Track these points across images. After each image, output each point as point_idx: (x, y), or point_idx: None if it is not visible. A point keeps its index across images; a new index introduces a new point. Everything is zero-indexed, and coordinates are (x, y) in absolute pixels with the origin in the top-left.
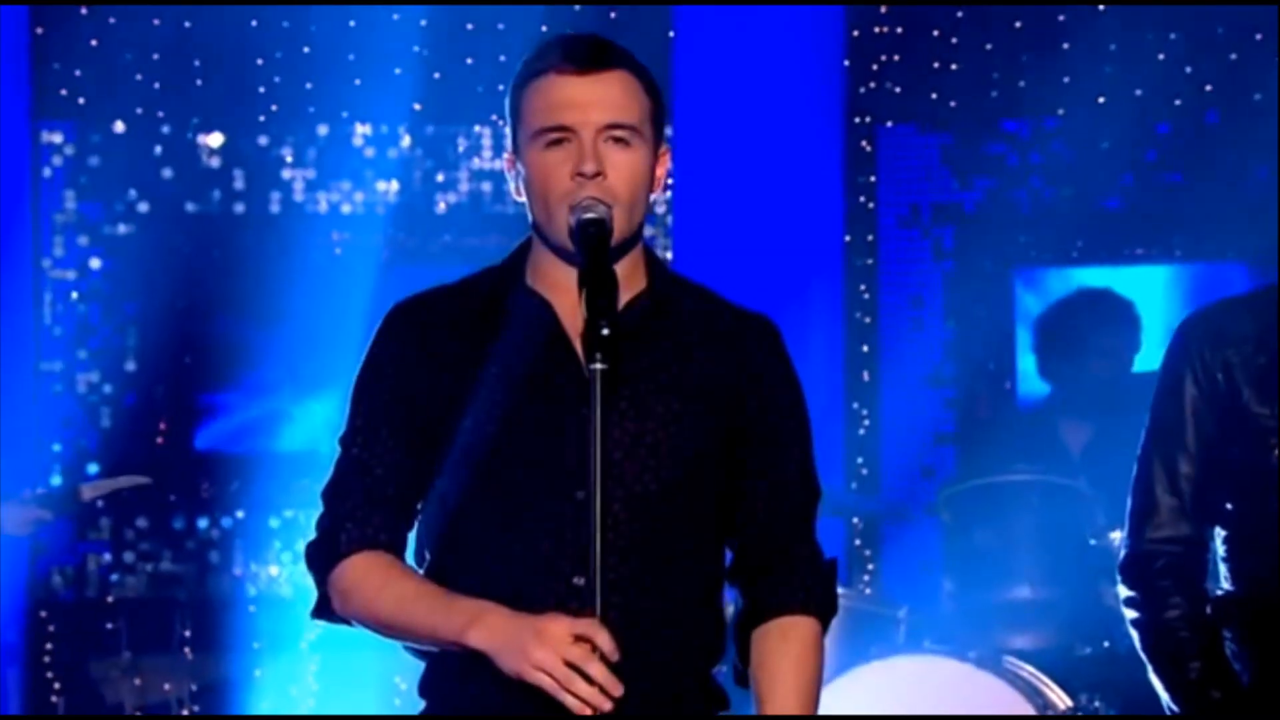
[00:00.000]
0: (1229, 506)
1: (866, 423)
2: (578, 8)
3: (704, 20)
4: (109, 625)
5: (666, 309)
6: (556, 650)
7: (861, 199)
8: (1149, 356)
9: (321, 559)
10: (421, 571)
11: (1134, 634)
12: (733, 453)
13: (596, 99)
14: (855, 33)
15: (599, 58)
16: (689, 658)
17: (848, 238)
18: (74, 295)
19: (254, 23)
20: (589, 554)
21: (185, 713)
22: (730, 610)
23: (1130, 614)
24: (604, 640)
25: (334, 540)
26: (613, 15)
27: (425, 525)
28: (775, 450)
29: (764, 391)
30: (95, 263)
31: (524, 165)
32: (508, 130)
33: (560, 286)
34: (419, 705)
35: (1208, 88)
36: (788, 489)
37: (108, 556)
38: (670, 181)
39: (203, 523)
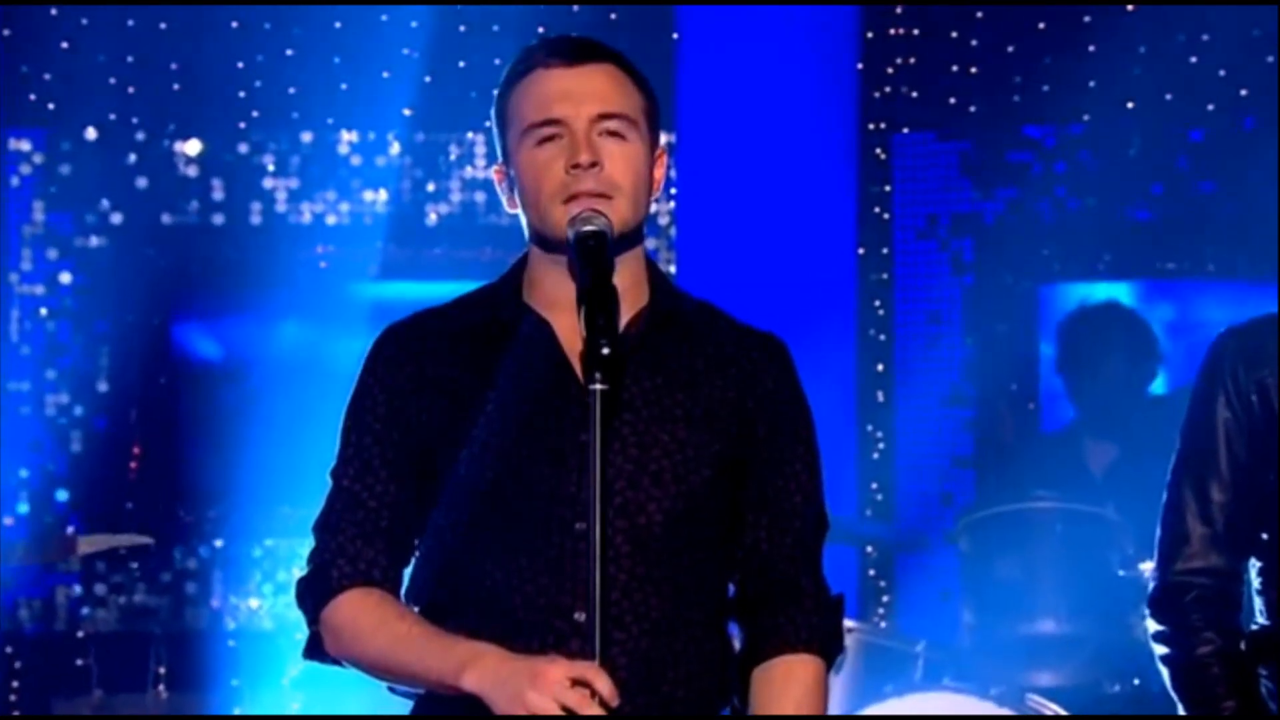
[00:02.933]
0: (1264, 536)
1: (881, 446)
2: (575, 8)
3: (709, 21)
4: (79, 662)
5: (670, 328)
6: (553, 694)
7: (876, 209)
8: (1180, 376)
9: (313, 596)
10: (418, 608)
11: (1164, 670)
12: (737, 479)
13: (587, 90)
14: (869, 34)
15: (587, 51)
16: (696, 696)
17: (861, 250)
18: (43, 311)
19: (234, 24)
20: (589, 588)
21: None
22: (737, 643)
23: (1160, 649)
24: (603, 685)
25: (325, 577)
26: (613, 16)
27: (421, 559)
28: (781, 478)
29: (771, 415)
30: (65, 277)
31: (515, 169)
32: (496, 140)
33: (559, 304)
34: None
35: (1243, 92)
36: (792, 519)
37: (77, 588)
38: (674, 191)
39: (179, 552)
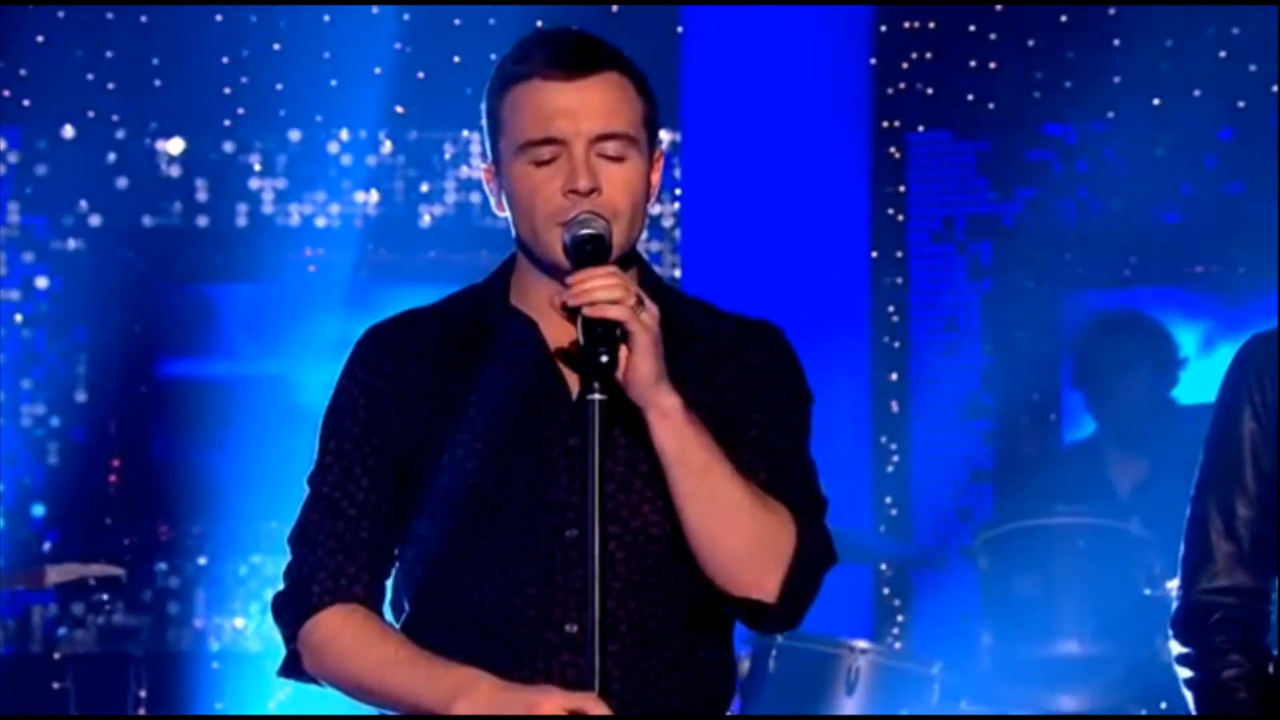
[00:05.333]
0: None
1: (896, 459)
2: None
3: (715, 14)
4: (55, 685)
5: (660, 325)
6: None
7: (890, 211)
8: (1207, 386)
9: (291, 612)
10: (400, 622)
11: (1188, 695)
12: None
13: (587, 107)
14: (883, 28)
15: (587, 59)
16: (696, 708)
17: (875, 254)
18: (18, 318)
19: (219, 17)
20: (587, 599)
21: None
22: (746, 664)
23: (1184, 672)
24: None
25: (305, 592)
26: (614, 10)
27: (404, 571)
28: (785, 438)
29: (765, 395)
30: (42, 282)
31: (507, 180)
32: (485, 138)
33: (548, 305)
34: None
35: (1274, 88)
36: (792, 469)
37: (54, 607)
38: (679, 192)
39: (160, 570)
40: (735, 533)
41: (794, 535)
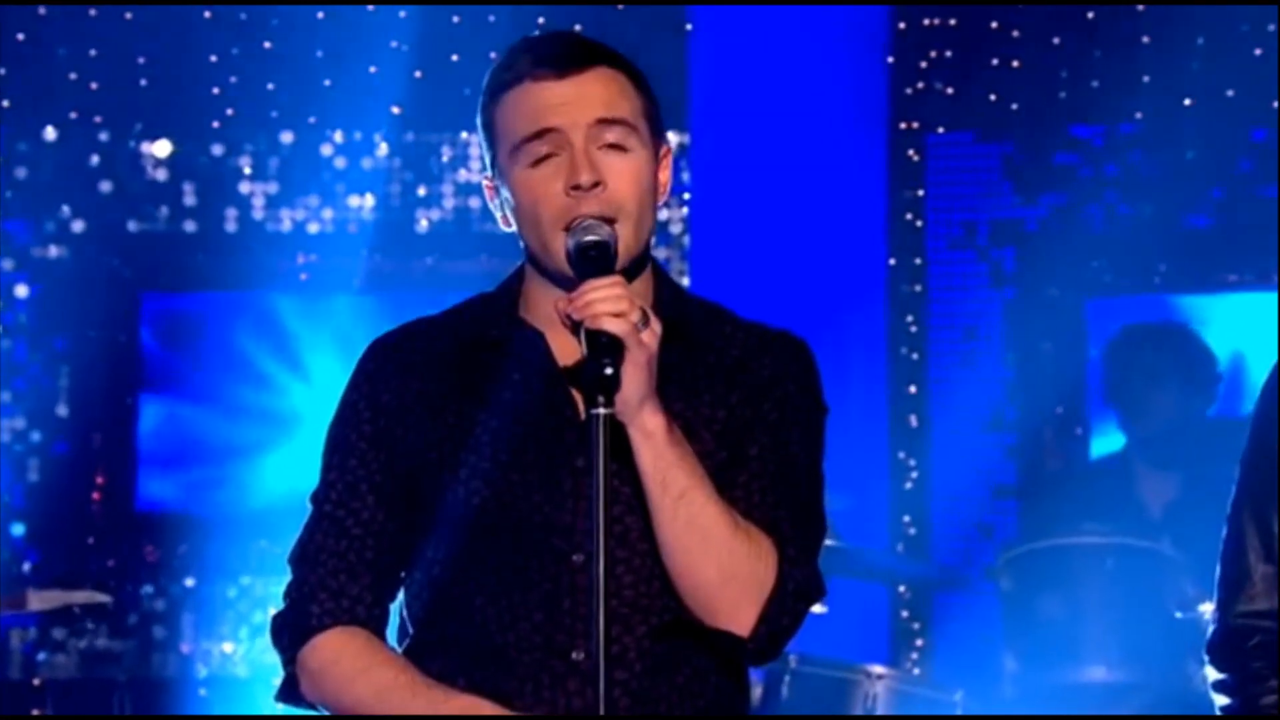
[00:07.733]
0: None
1: (914, 475)
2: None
3: (725, 13)
4: (35, 711)
5: (674, 336)
6: None
7: (908, 216)
8: (1242, 399)
9: (290, 634)
10: (404, 646)
11: None
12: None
13: (582, 98)
14: (901, 25)
15: (578, 57)
16: None
17: (892, 261)
18: None
19: (207, 14)
20: (591, 625)
21: None
22: (758, 691)
23: (1220, 699)
24: None
25: (305, 613)
26: (620, 8)
27: (408, 594)
28: (780, 452)
29: (771, 420)
30: (22, 290)
31: (510, 190)
32: (484, 151)
33: (557, 320)
34: None
35: None
36: (783, 489)
37: (34, 631)
38: (688, 196)
39: (146, 591)
40: (710, 561)
41: (774, 569)
